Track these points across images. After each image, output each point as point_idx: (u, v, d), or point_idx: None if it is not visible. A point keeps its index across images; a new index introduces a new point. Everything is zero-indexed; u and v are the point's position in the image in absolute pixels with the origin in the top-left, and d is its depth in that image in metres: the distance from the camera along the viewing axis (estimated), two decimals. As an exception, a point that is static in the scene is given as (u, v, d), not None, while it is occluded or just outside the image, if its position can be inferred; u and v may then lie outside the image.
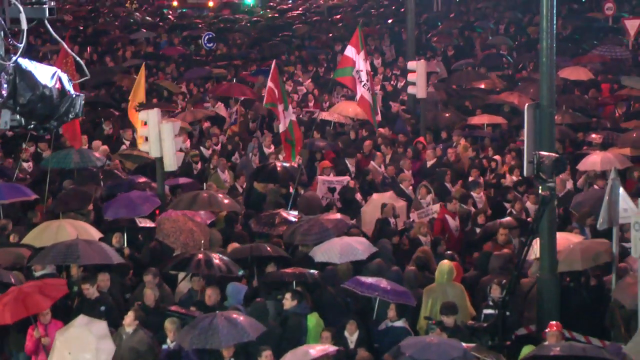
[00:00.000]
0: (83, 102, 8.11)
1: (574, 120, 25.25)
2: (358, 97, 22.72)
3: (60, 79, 7.79)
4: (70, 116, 7.95)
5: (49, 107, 7.71)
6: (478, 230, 18.24)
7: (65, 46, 9.50)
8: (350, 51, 22.43)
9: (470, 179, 20.56)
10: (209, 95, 29.25)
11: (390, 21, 43.83)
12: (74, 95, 7.91)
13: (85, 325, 13.12)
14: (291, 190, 20.00)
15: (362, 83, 22.20)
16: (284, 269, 15.06)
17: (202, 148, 23.76)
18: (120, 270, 15.74)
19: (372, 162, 22.31)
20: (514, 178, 20.72)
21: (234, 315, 12.95)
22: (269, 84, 21.04)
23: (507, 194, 19.59)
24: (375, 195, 19.62)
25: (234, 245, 16.62)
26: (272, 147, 23.63)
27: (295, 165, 20.68)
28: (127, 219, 17.56)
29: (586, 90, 29.69)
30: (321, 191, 20.25)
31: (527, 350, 12.92)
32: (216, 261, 14.75)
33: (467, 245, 18.10)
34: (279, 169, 20.02)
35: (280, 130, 21.36)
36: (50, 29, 7.84)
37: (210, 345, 12.58)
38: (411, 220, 18.93)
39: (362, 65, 22.13)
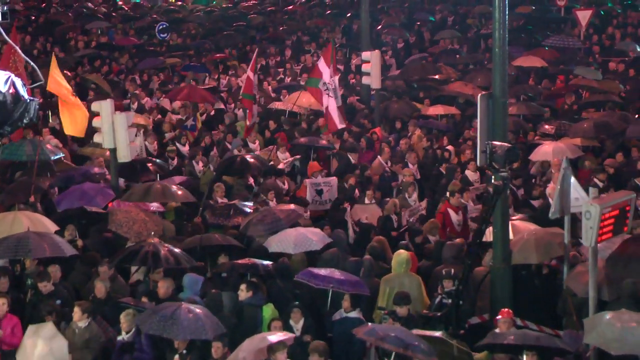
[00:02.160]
0: (38, 106, 8.02)
1: (528, 110, 25.49)
2: (324, 107, 23.17)
3: (14, 84, 7.70)
4: (25, 121, 7.88)
5: (3, 112, 7.63)
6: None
7: (20, 52, 9.37)
8: (321, 63, 23.23)
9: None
10: (168, 97, 28.66)
11: (327, 12, 43.80)
12: (28, 100, 7.81)
13: (34, 334, 13.00)
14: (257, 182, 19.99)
15: (329, 94, 22.87)
16: (238, 259, 15.05)
17: (177, 144, 23.46)
18: (88, 260, 15.73)
19: (379, 156, 22.03)
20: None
21: (198, 311, 12.82)
22: (249, 74, 21.05)
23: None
24: (357, 206, 19.15)
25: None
26: (257, 142, 23.44)
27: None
28: (78, 210, 17.48)
29: (540, 81, 29.97)
30: (310, 194, 19.73)
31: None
32: (164, 253, 14.67)
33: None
34: (244, 162, 19.85)
35: (250, 123, 21.42)
36: (5, 35, 7.75)
37: (167, 334, 12.53)
38: (410, 219, 18.70)
39: (329, 79, 22.92)
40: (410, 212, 18.81)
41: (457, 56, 33.81)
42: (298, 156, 22.31)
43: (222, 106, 27.96)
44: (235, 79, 31.17)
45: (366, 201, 19.30)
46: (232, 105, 28.07)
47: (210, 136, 23.96)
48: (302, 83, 29.73)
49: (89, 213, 17.65)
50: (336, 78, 23.04)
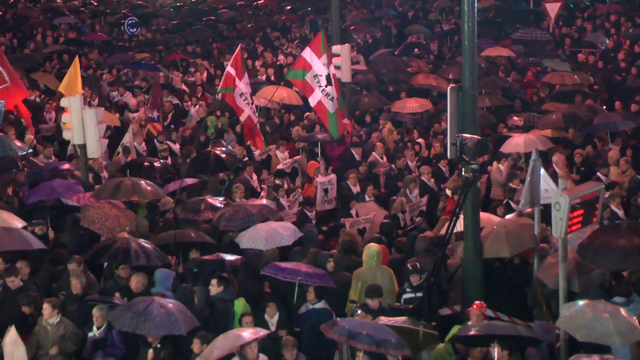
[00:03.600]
0: (4, 108, 7.99)
1: (495, 102, 25.58)
2: (315, 102, 21.42)
3: None
4: None
5: None
6: None
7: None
8: (307, 53, 21.34)
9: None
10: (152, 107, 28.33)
11: (289, 8, 43.65)
12: None
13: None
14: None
15: (321, 88, 21.15)
16: (209, 255, 15.01)
17: (168, 142, 23.27)
18: (53, 258, 15.65)
19: (373, 152, 21.85)
20: None
21: (170, 305, 12.77)
22: (228, 69, 20.75)
23: None
24: (355, 204, 18.96)
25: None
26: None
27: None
28: (52, 204, 17.46)
29: (509, 73, 30.10)
30: (320, 195, 19.45)
31: (455, 329, 13.08)
32: (135, 249, 14.61)
33: None
34: (212, 159, 19.64)
35: (242, 119, 21.10)
36: None
37: (140, 331, 12.49)
38: (412, 215, 18.68)
39: (322, 69, 21.07)
40: (410, 207, 18.84)
41: (416, 49, 33.75)
42: (298, 157, 22.14)
43: (177, 102, 27.81)
44: (197, 75, 31.01)
45: (366, 198, 19.26)
46: (189, 102, 27.93)
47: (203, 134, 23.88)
48: (261, 78, 29.69)
49: (63, 206, 17.56)
50: (329, 69, 21.16)
